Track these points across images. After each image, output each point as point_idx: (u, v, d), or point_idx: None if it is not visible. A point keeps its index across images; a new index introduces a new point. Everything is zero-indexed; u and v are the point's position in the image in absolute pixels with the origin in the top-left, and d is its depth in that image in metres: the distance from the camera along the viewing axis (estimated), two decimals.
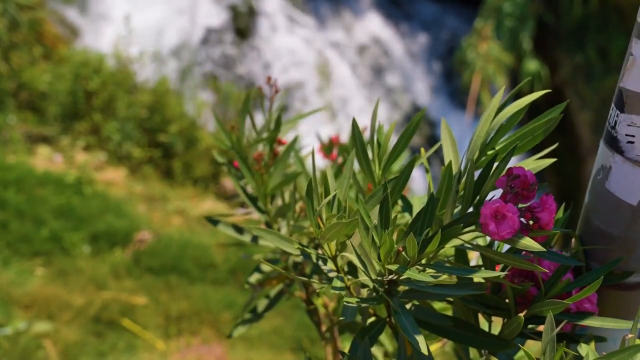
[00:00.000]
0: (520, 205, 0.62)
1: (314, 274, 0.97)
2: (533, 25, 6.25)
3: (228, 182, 5.16)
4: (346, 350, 0.67)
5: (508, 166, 0.63)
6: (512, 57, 6.08)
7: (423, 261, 0.62)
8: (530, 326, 0.71)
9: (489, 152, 0.68)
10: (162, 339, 3.28)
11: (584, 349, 0.65)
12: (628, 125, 0.67)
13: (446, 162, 0.71)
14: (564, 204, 0.79)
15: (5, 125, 4.95)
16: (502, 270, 0.70)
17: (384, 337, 1.04)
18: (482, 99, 6.05)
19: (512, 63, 6.10)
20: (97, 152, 5.04)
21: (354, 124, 0.73)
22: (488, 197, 0.63)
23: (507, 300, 0.70)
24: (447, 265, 0.68)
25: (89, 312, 3.34)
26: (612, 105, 0.70)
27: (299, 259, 0.93)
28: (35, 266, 3.66)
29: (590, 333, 0.73)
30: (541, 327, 0.70)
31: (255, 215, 0.99)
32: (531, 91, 0.69)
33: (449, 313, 0.93)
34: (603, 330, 0.72)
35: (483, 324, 0.75)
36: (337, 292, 0.63)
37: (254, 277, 0.99)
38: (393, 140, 0.77)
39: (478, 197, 0.62)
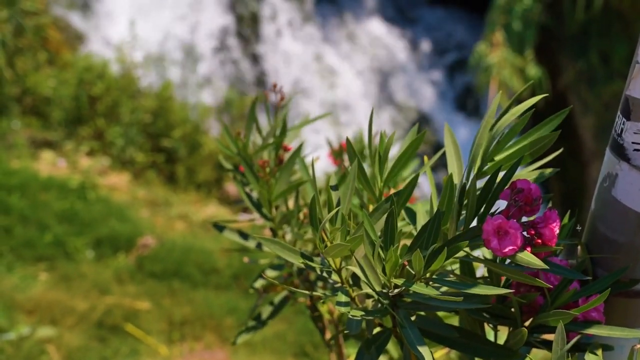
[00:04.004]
0: (523, 220, 0.61)
1: (319, 279, 0.97)
2: (536, 30, 6.26)
3: (231, 187, 5.16)
4: (352, 359, 0.67)
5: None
6: (522, 60, 6.10)
7: (428, 275, 0.62)
8: (535, 334, 0.71)
9: (491, 163, 0.68)
10: (165, 344, 3.27)
11: (591, 358, 0.64)
12: (634, 133, 0.67)
13: (449, 171, 0.70)
14: (569, 211, 0.78)
15: (10, 130, 4.97)
16: (507, 280, 0.70)
17: (389, 345, 1.03)
18: (501, 104, 6.02)
19: (525, 66, 6.11)
20: (100, 157, 5.05)
21: (348, 143, 0.73)
22: (493, 209, 0.63)
23: (513, 310, 0.70)
24: (452, 277, 0.67)
25: (92, 317, 3.34)
26: (619, 112, 0.70)
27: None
28: (39, 271, 3.66)
29: (596, 341, 0.72)
30: (546, 336, 0.70)
31: (259, 220, 0.99)
32: (532, 96, 0.69)
33: (454, 320, 0.93)
34: (610, 339, 0.71)
35: (489, 332, 0.75)
36: (342, 308, 0.62)
37: (259, 283, 0.99)
38: (395, 146, 0.77)
39: (482, 210, 0.62)
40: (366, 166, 1.05)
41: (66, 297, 3.45)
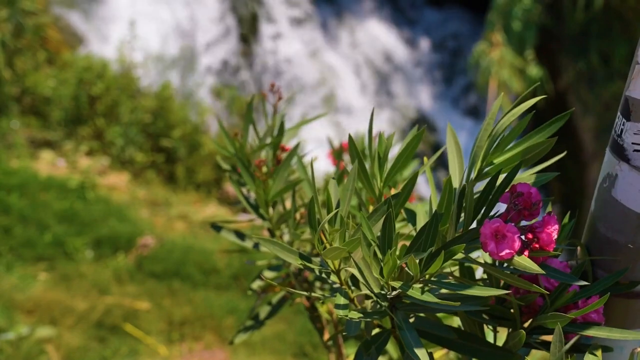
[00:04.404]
0: (522, 223, 0.61)
1: (318, 280, 0.97)
2: (536, 30, 6.26)
3: (231, 187, 5.16)
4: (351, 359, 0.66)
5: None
6: (523, 61, 6.10)
7: (426, 277, 0.61)
8: (535, 335, 0.70)
9: (490, 166, 0.67)
10: (165, 344, 3.27)
11: (590, 359, 0.64)
12: (634, 133, 0.67)
13: (450, 171, 0.70)
14: (569, 212, 0.78)
15: (9, 130, 4.97)
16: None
17: (389, 345, 1.03)
18: (502, 106, 6.03)
19: (525, 66, 6.11)
20: (100, 157, 5.04)
21: (351, 141, 0.72)
22: (493, 211, 0.62)
23: (512, 311, 0.69)
24: (451, 279, 0.67)
25: (92, 317, 3.33)
26: (619, 113, 0.70)
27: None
28: (38, 271, 3.66)
29: (596, 342, 0.72)
30: (546, 337, 0.69)
31: (258, 220, 0.99)
32: (533, 97, 0.68)
33: (453, 320, 0.92)
34: (609, 340, 0.71)
35: (488, 334, 0.74)
36: (340, 311, 0.62)
37: (257, 284, 0.98)
38: (394, 147, 0.77)
39: (482, 213, 0.62)
40: (366, 166, 1.04)
41: (66, 297, 3.45)
